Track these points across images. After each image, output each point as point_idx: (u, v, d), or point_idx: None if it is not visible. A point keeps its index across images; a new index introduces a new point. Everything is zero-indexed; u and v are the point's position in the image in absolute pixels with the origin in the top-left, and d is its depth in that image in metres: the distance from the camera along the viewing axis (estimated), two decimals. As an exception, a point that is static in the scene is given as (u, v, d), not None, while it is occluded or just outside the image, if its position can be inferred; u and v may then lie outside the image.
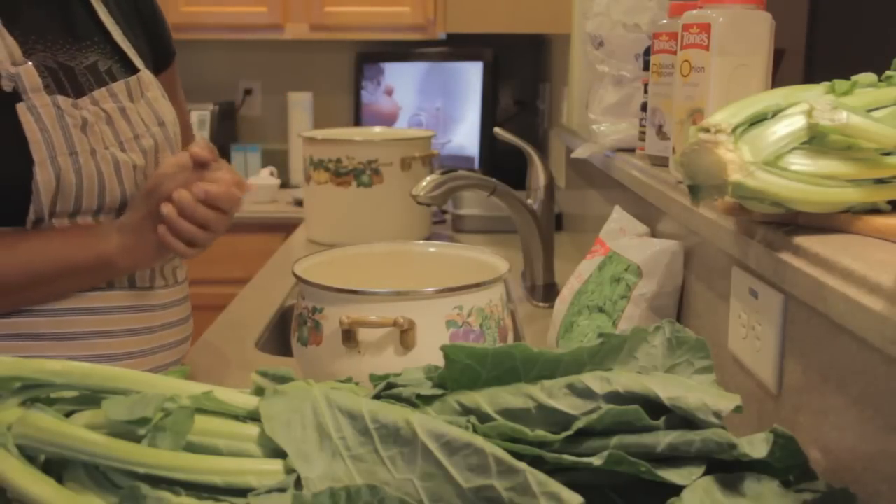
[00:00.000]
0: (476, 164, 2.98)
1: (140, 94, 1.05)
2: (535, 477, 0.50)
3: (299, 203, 2.67)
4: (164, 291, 1.08)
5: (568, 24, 2.23)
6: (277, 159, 3.20)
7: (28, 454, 0.55)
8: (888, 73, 0.71)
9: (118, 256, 0.98)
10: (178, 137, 1.11)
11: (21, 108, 0.92)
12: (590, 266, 1.13)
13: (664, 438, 0.55)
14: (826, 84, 0.68)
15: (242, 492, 0.54)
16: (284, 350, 1.27)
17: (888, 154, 0.65)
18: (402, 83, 3.14)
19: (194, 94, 2.45)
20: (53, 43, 0.99)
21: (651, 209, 1.13)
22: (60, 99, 0.95)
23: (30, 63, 0.94)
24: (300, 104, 3.14)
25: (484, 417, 0.58)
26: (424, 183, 1.38)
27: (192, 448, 0.55)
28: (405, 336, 0.94)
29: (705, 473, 0.54)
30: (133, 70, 1.06)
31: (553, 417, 0.57)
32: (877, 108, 0.66)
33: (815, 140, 0.64)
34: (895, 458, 0.55)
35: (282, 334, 1.51)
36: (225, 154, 3.05)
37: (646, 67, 1.19)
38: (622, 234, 1.13)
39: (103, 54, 1.04)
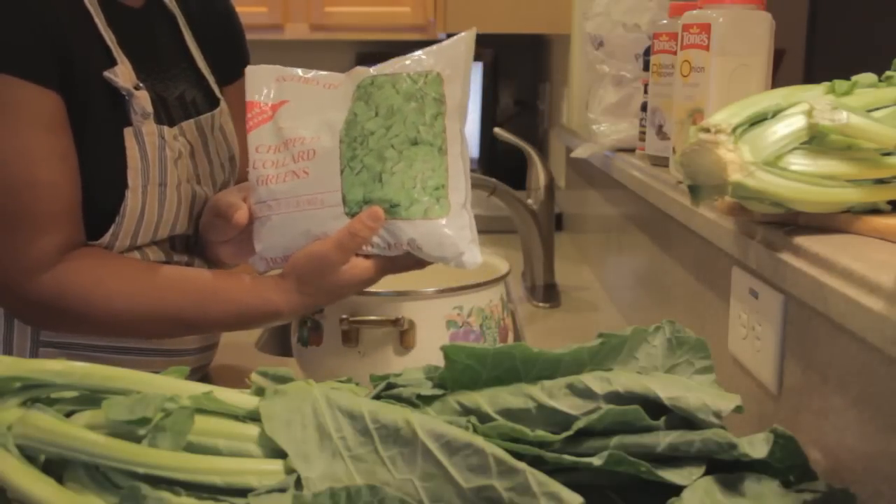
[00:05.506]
0: (476, 164, 2.98)
1: (219, 126, 1.04)
2: (535, 477, 0.51)
3: (299, 203, 2.66)
4: None
5: (568, 24, 2.23)
6: (277, 159, 3.19)
7: (28, 454, 0.55)
8: (888, 73, 0.71)
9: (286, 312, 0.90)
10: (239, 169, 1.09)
11: (128, 132, 0.90)
12: (328, 108, 0.86)
13: (664, 438, 0.55)
14: (826, 84, 0.68)
15: (242, 492, 0.54)
16: (284, 350, 1.27)
17: (888, 154, 0.65)
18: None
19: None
20: (150, 71, 0.97)
21: (646, 207, 1.13)
22: (165, 129, 0.93)
23: (144, 89, 0.92)
24: (300, 104, 3.14)
25: (484, 417, 0.58)
26: (424, 183, 1.37)
27: (192, 448, 0.55)
28: (405, 336, 0.94)
29: (705, 473, 0.55)
30: (213, 99, 1.05)
31: (553, 417, 0.57)
32: (877, 108, 0.66)
33: (815, 140, 0.64)
34: (895, 458, 0.55)
35: (282, 334, 1.51)
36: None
37: (646, 67, 1.19)
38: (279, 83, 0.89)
39: (189, 83, 1.03)
